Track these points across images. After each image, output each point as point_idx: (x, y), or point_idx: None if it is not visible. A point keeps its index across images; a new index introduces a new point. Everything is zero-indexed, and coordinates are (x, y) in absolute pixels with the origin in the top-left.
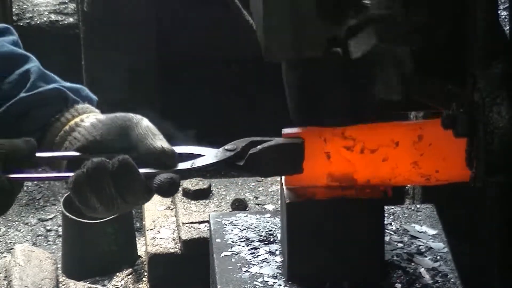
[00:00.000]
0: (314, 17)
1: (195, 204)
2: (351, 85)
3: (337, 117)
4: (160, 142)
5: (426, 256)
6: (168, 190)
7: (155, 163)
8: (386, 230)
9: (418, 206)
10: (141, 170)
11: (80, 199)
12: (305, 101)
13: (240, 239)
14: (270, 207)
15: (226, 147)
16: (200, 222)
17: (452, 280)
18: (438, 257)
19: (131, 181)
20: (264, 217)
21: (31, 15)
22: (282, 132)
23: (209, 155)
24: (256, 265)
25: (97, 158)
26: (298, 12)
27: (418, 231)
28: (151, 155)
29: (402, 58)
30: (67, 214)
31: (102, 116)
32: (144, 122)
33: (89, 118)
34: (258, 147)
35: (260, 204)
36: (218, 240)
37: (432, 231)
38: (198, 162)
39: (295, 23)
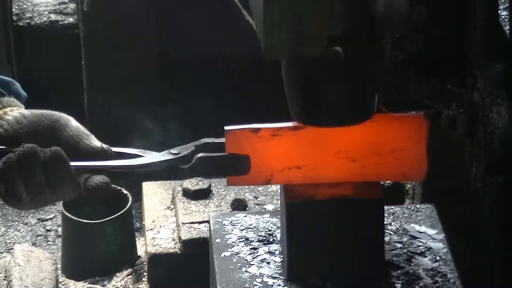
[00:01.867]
0: (313, 14)
1: (195, 204)
2: (351, 83)
3: (337, 116)
4: (96, 141)
5: (426, 256)
6: (101, 193)
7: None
8: (386, 230)
9: (418, 206)
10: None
11: (7, 186)
12: (304, 99)
13: (240, 239)
14: (270, 207)
15: (171, 150)
16: (200, 222)
17: (452, 280)
18: (438, 257)
19: (63, 173)
20: (264, 217)
21: (31, 15)
22: (225, 130)
23: (149, 157)
24: (256, 265)
25: (30, 145)
26: (297, 9)
27: (418, 231)
28: (89, 154)
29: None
30: (67, 214)
31: (26, 112)
32: (73, 123)
33: (13, 112)
34: (205, 155)
35: (260, 204)
36: (218, 240)
37: (432, 231)
38: (134, 162)
39: (294, 20)
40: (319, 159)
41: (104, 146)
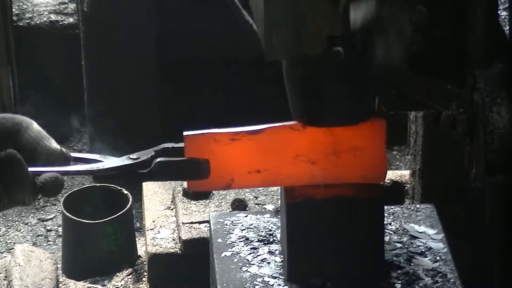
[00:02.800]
0: (313, 15)
1: (195, 204)
2: (352, 84)
3: (338, 116)
4: (55, 144)
5: (425, 256)
6: (51, 189)
7: (50, 164)
8: (386, 230)
9: (417, 206)
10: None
11: None
12: (305, 100)
13: (240, 239)
14: (270, 207)
15: (131, 156)
16: (200, 222)
17: (452, 280)
18: (438, 257)
19: (18, 176)
20: (264, 217)
21: (31, 15)
22: (183, 135)
23: (108, 162)
24: (256, 265)
25: None
26: (297, 9)
27: (418, 231)
28: (48, 156)
29: (403, 24)
30: (67, 214)
31: None
32: (35, 126)
33: None
34: (164, 160)
35: (260, 204)
36: (218, 240)
37: (431, 231)
38: (92, 167)
39: (294, 20)
40: (279, 162)
41: (64, 149)
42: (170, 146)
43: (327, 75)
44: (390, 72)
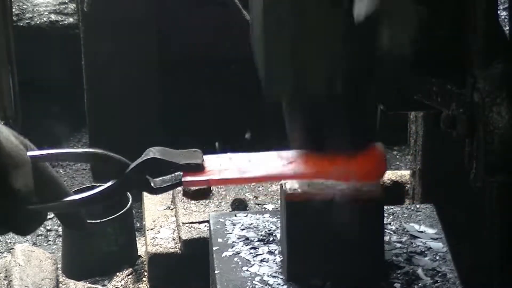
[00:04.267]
0: (314, 56)
1: (195, 204)
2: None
3: (339, 150)
4: (20, 179)
5: (425, 256)
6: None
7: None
8: (386, 230)
9: (417, 206)
10: None
11: None
12: (305, 134)
13: (240, 238)
14: (270, 207)
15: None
16: (200, 222)
17: (452, 280)
18: (438, 257)
19: (21, 217)
20: (264, 217)
21: (31, 15)
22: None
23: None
24: (256, 264)
25: None
26: (298, 50)
27: (418, 231)
28: (7, 195)
29: (408, 16)
30: None
31: None
32: (3, 145)
33: None
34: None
35: (260, 204)
36: (218, 240)
37: (431, 231)
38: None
39: (295, 62)
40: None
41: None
42: (154, 158)
43: (328, 113)
44: (393, 63)
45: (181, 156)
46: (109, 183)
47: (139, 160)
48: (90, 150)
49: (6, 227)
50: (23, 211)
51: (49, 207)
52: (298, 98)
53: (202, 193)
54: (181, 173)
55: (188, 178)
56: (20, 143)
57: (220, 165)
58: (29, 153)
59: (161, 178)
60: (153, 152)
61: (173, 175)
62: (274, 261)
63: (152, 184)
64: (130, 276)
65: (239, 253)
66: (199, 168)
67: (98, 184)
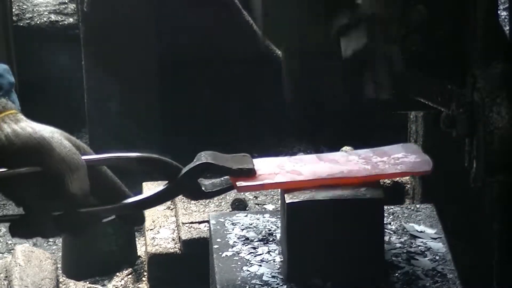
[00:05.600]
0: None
1: (195, 204)
2: (350, 76)
3: (336, 106)
4: (75, 183)
5: (425, 256)
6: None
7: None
8: (386, 230)
9: (417, 206)
10: None
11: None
12: (304, 89)
13: (240, 238)
14: (270, 207)
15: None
16: (200, 222)
17: (452, 280)
18: (438, 257)
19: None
20: (264, 217)
21: (31, 15)
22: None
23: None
24: (256, 264)
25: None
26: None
27: (418, 231)
28: (64, 198)
29: (392, 57)
30: None
31: (18, 127)
32: (57, 151)
33: (11, 121)
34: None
35: (260, 204)
36: (218, 240)
37: (431, 231)
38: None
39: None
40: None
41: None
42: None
43: (326, 66)
44: (378, 105)
45: (232, 161)
46: (162, 187)
47: (191, 165)
48: (144, 154)
49: (60, 229)
50: (76, 215)
51: (103, 210)
52: (296, 45)
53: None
54: (230, 177)
55: (243, 183)
56: (75, 146)
57: (271, 169)
58: (84, 157)
59: (211, 181)
60: (205, 157)
61: (222, 178)
62: (274, 261)
63: (203, 188)
64: (130, 276)
65: (239, 253)
66: (251, 173)
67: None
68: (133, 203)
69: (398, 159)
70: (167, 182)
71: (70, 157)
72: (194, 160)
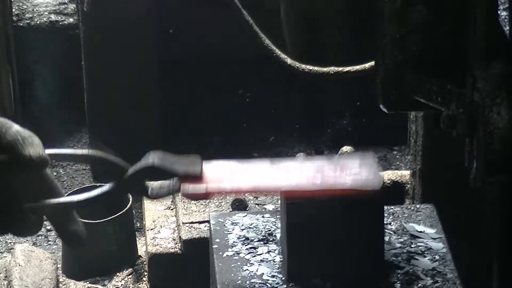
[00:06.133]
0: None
1: (195, 204)
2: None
3: (336, 53)
4: (29, 148)
5: (425, 256)
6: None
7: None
8: (386, 230)
9: (417, 206)
10: None
11: None
12: (304, 35)
13: (240, 238)
14: (270, 207)
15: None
16: (200, 222)
17: (452, 280)
18: (438, 257)
19: (12, 217)
20: (264, 217)
21: (31, 15)
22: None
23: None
24: (256, 264)
25: None
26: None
27: (418, 231)
28: (21, 164)
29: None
30: None
31: None
32: (14, 128)
33: None
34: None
35: (260, 204)
36: (218, 240)
37: (431, 231)
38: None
39: None
40: None
41: (34, 154)
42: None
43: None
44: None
45: (181, 163)
46: (107, 186)
47: (138, 166)
48: (90, 152)
49: (3, 226)
50: (20, 209)
51: (46, 206)
52: None
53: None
54: (179, 181)
55: (187, 188)
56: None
57: (219, 173)
58: None
59: (159, 183)
60: (152, 158)
61: (171, 180)
62: (273, 261)
63: (149, 190)
64: (130, 276)
65: (239, 253)
66: (198, 178)
67: (98, 184)
68: (76, 201)
69: (350, 174)
70: (113, 181)
71: (25, 131)
72: (142, 160)
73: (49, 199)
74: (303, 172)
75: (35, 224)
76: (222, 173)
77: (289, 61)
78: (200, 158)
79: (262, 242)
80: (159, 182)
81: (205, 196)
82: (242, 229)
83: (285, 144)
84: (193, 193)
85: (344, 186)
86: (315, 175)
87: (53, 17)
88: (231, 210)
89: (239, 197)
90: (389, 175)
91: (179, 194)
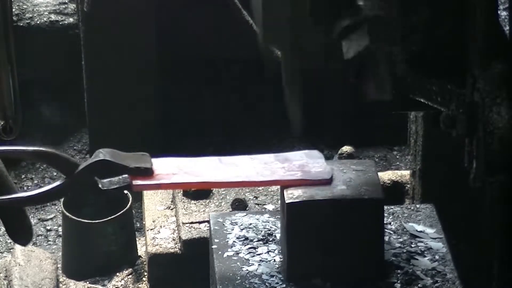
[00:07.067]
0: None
1: (195, 204)
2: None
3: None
4: None
5: (425, 256)
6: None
7: None
8: (386, 230)
9: (417, 206)
10: None
11: None
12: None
13: (240, 238)
14: (270, 207)
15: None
16: (200, 222)
17: (452, 280)
18: (438, 257)
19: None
20: (264, 217)
21: (31, 15)
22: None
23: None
24: (256, 264)
25: None
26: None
27: (418, 231)
28: None
29: (394, 58)
30: (67, 214)
31: None
32: None
33: None
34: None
35: (260, 204)
36: (218, 240)
37: (431, 231)
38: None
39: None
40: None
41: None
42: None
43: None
44: (380, 106)
45: (131, 159)
46: (58, 182)
47: (88, 162)
48: (40, 148)
49: None
50: None
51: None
52: (295, 47)
53: (202, 193)
54: (129, 176)
55: (139, 182)
56: None
57: (169, 169)
58: None
59: (108, 179)
60: (103, 154)
61: (120, 177)
62: (273, 260)
63: (100, 185)
64: (130, 276)
65: (238, 253)
66: (148, 172)
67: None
68: (25, 197)
69: (298, 166)
70: (63, 177)
71: None
72: (92, 157)
73: (1, 195)
74: (251, 167)
75: None
76: (172, 169)
77: None
78: (149, 155)
79: (261, 242)
80: (109, 178)
81: (156, 188)
82: (242, 229)
83: (285, 144)
84: (143, 185)
85: (294, 177)
86: (265, 169)
87: (53, 17)
88: (231, 210)
89: (239, 197)
90: (389, 175)
91: (132, 188)
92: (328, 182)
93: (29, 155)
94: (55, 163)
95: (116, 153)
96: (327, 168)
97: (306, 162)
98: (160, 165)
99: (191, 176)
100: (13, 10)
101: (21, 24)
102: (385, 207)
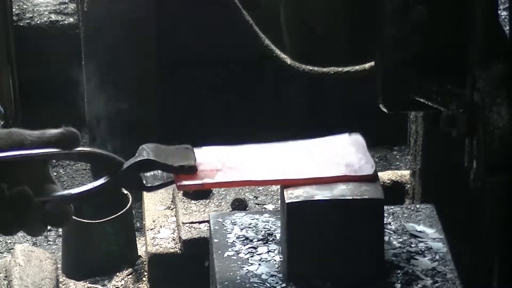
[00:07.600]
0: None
1: (195, 204)
2: None
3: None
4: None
5: (425, 256)
6: (56, 222)
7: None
8: (386, 230)
9: (417, 206)
10: None
11: None
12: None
13: (240, 238)
14: (270, 207)
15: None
16: (200, 222)
17: (452, 280)
18: (438, 257)
19: (27, 214)
20: (264, 217)
21: (31, 15)
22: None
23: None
24: (256, 264)
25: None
26: None
27: (418, 231)
28: (52, 139)
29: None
30: None
31: None
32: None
33: None
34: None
35: (260, 204)
36: (218, 239)
37: (431, 231)
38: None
39: None
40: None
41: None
42: (148, 159)
43: None
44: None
45: (175, 156)
46: (102, 180)
47: (132, 160)
48: (85, 149)
49: (18, 223)
50: (31, 204)
51: (53, 199)
52: None
53: (202, 193)
54: (173, 175)
55: (183, 182)
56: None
57: (212, 164)
58: (24, 152)
59: (152, 174)
60: (146, 152)
61: (164, 172)
62: (273, 260)
63: (144, 182)
64: (130, 276)
65: (238, 253)
66: (192, 170)
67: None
68: (72, 195)
69: (344, 158)
70: (107, 176)
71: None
72: (136, 154)
73: (53, 193)
74: (296, 159)
75: (43, 224)
76: (215, 163)
77: (289, 61)
78: (192, 149)
79: (261, 242)
80: (153, 172)
81: (200, 187)
82: (242, 229)
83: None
84: (188, 185)
85: (341, 173)
86: (309, 165)
87: (53, 17)
88: (231, 210)
89: (239, 197)
90: (389, 175)
91: (176, 188)
92: (372, 178)
93: (73, 156)
94: (101, 162)
95: (160, 149)
96: (370, 160)
97: (349, 151)
98: (203, 158)
99: (236, 174)
100: (13, 10)
101: (21, 24)
102: (385, 207)
